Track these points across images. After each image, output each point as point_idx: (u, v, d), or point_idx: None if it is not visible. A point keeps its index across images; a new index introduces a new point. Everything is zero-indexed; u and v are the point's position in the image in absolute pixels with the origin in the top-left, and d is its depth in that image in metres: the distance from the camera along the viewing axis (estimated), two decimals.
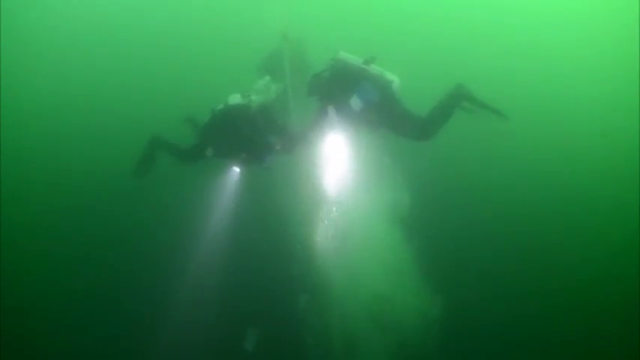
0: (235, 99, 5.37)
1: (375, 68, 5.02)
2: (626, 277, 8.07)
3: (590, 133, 9.73)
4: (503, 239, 8.41)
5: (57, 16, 10.50)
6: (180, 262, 7.68)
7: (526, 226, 8.67)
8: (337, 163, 5.55)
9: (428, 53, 9.69)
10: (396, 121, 4.95)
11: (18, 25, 9.97)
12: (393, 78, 5.00)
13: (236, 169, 5.62)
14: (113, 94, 9.81)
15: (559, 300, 7.92)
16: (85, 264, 7.83)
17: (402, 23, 10.46)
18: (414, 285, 6.36)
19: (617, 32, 10.03)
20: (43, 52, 10.33)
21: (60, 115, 9.73)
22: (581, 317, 7.84)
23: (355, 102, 4.86)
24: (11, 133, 8.99)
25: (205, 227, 7.58)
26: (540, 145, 9.59)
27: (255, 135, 5.18)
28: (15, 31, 9.75)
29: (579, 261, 8.31)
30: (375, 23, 9.96)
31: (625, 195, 9.07)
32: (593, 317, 7.79)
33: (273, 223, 7.36)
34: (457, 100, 4.90)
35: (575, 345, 7.53)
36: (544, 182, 9.28)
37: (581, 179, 9.36)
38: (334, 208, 6.39)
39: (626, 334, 7.59)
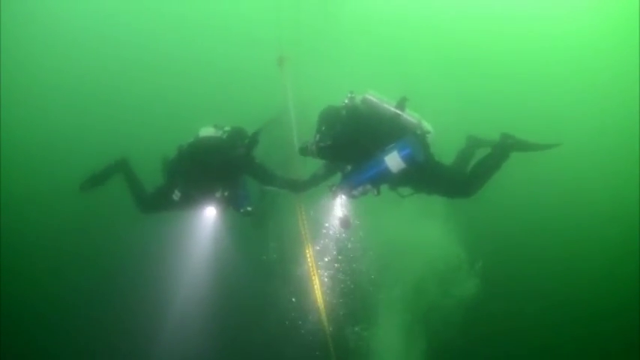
0: (207, 131, 4.73)
1: (411, 114, 3.80)
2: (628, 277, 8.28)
3: (591, 134, 9.78)
4: (503, 239, 8.61)
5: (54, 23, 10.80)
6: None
7: (525, 226, 8.89)
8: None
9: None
10: (432, 181, 3.81)
11: (18, 25, 10.19)
12: (430, 128, 3.86)
13: (212, 212, 4.76)
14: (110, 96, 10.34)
15: (559, 300, 8.16)
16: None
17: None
18: None
19: (618, 35, 10.15)
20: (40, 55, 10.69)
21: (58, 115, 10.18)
22: (582, 317, 8.00)
23: (394, 161, 3.50)
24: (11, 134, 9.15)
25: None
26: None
27: (228, 166, 4.46)
28: (15, 30, 9.98)
29: (578, 261, 8.58)
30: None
31: (626, 196, 9.26)
32: (594, 318, 7.96)
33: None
34: (506, 153, 3.81)
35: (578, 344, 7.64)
36: (544, 184, 9.36)
37: (582, 180, 9.51)
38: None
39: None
